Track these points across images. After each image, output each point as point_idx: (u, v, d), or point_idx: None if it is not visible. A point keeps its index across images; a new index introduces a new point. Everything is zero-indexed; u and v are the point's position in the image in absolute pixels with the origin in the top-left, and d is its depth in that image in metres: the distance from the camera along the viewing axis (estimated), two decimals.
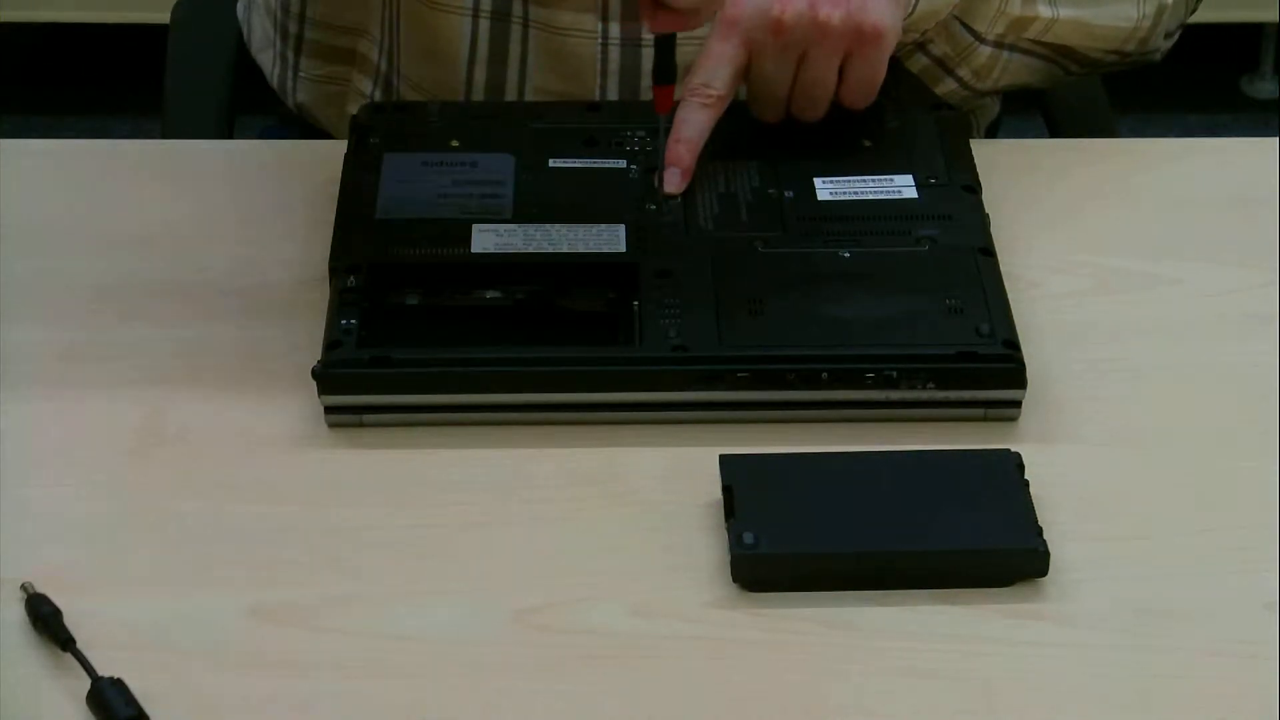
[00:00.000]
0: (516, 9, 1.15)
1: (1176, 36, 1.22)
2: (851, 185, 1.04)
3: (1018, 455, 0.90)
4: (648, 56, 1.15)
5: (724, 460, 0.89)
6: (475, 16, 1.16)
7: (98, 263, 1.04)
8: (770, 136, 1.07)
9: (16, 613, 0.84)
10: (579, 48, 1.16)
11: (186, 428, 0.94)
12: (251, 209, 1.08)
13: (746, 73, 1.06)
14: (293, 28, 1.23)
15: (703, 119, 1.04)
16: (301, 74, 1.24)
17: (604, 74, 1.16)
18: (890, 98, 1.08)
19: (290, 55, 1.25)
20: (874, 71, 1.06)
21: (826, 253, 0.99)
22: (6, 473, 0.92)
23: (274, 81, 1.27)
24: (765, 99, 1.07)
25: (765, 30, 1.04)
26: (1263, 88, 2.57)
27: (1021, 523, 0.87)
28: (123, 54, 2.48)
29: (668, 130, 1.04)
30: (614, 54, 1.16)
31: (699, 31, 1.03)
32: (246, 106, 1.33)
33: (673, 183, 1.03)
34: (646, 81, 1.16)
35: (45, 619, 0.83)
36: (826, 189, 1.03)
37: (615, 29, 1.15)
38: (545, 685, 0.82)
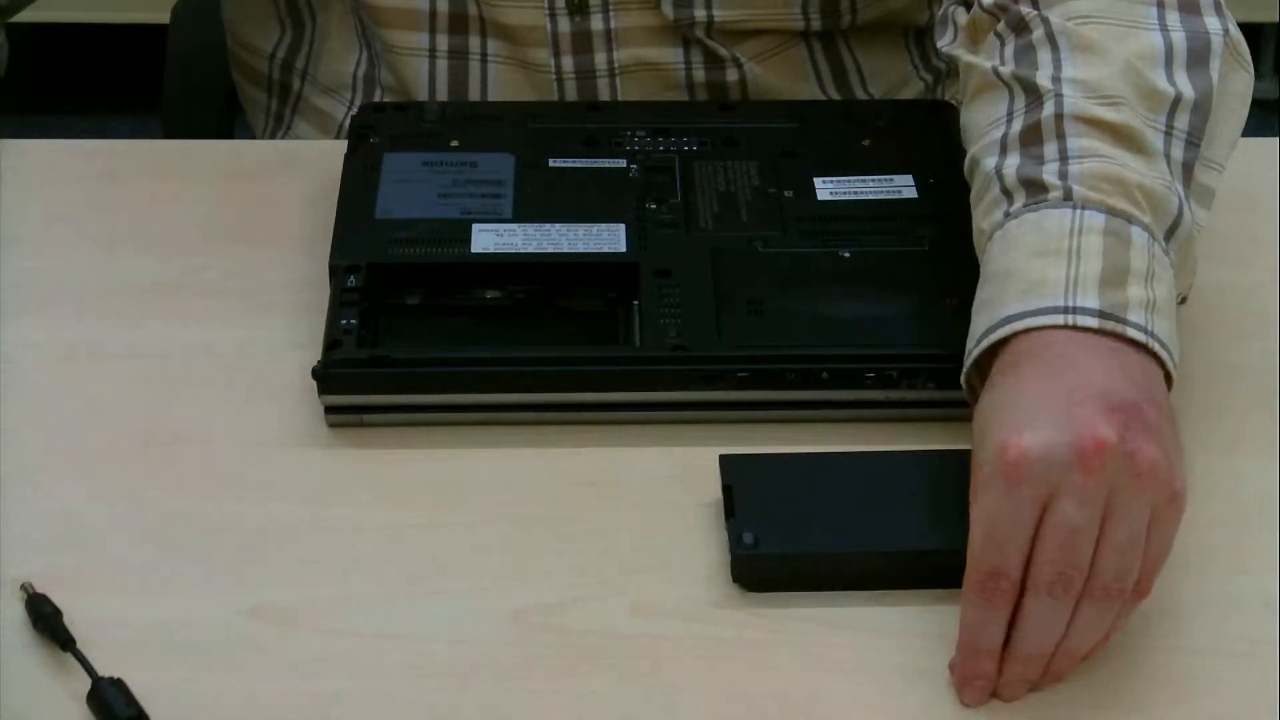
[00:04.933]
0: (473, 45, 1.16)
1: None
2: (851, 185, 1.04)
3: None
4: (604, 86, 1.16)
5: (724, 460, 0.89)
6: (432, 58, 1.16)
7: (98, 263, 1.04)
8: (770, 136, 1.07)
9: (16, 613, 0.84)
10: (537, 81, 1.16)
11: (186, 428, 0.94)
12: (251, 209, 1.08)
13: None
14: (295, 84, 1.24)
15: (990, 618, 0.82)
16: (293, 135, 1.25)
17: None
18: None
19: (287, 114, 1.25)
20: (1166, 545, 0.82)
21: (826, 253, 0.99)
22: (7, 473, 0.92)
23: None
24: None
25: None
26: (1263, 88, 2.57)
27: None
28: (123, 54, 2.48)
29: None
30: (570, 86, 1.16)
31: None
32: (243, 95, 1.33)
33: (975, 697, 0.82)
34: None
35: (45, 619, 0.83)
36: (826, 189, 1.03)
37: (568, 62, 1.15)
38: (545, 685, 0.82)
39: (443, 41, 1.16)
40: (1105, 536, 0.79)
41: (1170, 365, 0.85)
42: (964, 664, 0.81)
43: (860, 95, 1.21)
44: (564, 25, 1.14)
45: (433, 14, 1.15)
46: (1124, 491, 0.79)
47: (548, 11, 1.14)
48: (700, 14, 1.14)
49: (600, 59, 1.15)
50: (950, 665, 0.82)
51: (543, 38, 1.15)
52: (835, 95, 1.21)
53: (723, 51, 1.15)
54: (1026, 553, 0.79)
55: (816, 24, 1.16)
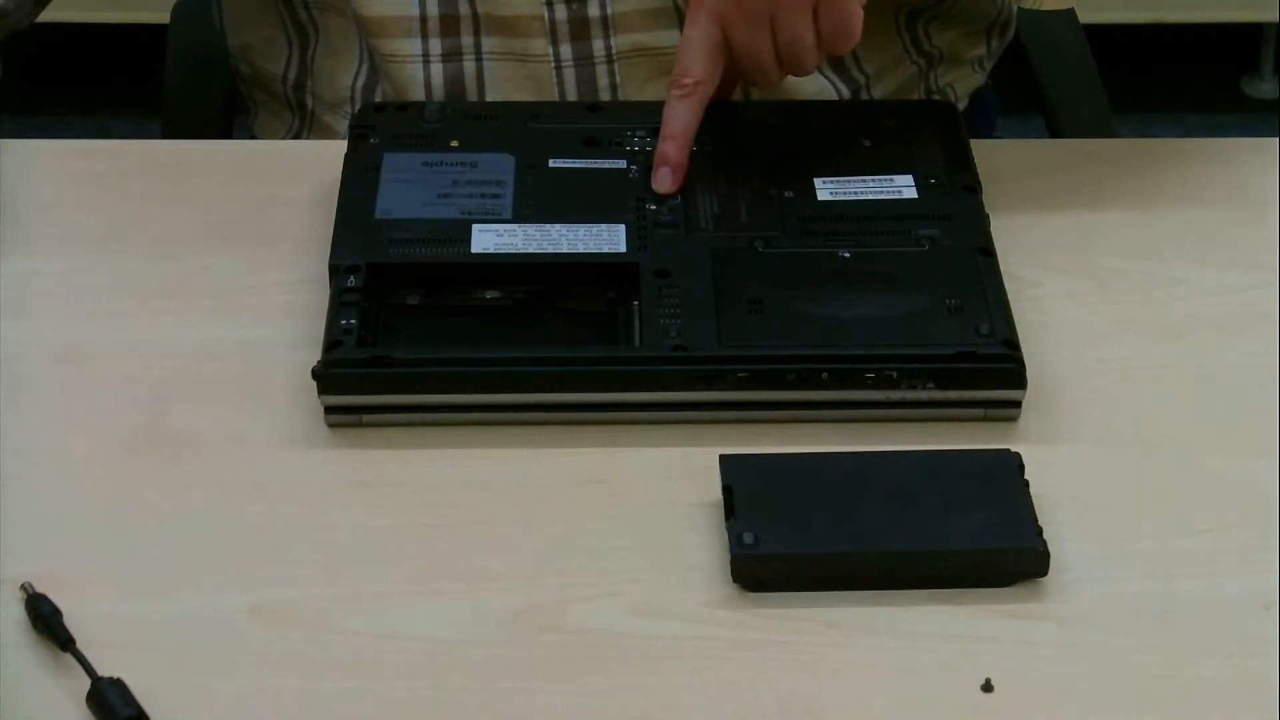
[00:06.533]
0: (467, 45, 1.16)
1: None
2: (851, 185, 1.04)
3: (1018, 455, 0.90)
4: (602, 73, 1.16)
5: (724, 460, 0.89)
6: (426, 63, 1.16)
7: (98, 263, 1.04)
8: (770, 136, 1.07)
9: (16, 613, 0.84)
10: (535, 73, 1.16)
11: (186, 428, 0.94)
12: (251, 209, 1.08)
13: (728, 50, 1.04)
14: (308, 102, 1.24)
15: (684, 110, 1.03)
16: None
17: (562, 97, 1.16)
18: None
19: (304, 133, 1.25)
20: (846, 15, 1.02)
21: (826, 253, 0.99)
22: (6, 473, 0.92)
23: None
24: (753, 69, 1.05)
25: (728, 4, 1.02)
26: (1263, 88, 2.57)
27: (1021, 523, 0.87)
28: (123, 54, 2.48)
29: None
30: (569, 75, 1.16)
31: None
32: (247, 106, 1.33)
33: (663, 182, 1.03)
34: (605, 97, 1.17)
35: (45, 619, 0.83)
36: (826, 189, 1.03)
37: (566, 50, 1.15)
38: (545, 685, 0.82)
39: (435, 45, 1.16)
40: None
41: None
42: (659, 150, 1.03)
43: (855, 75, 1.21)
44: (561, 13, 1.15)
45: (423, 19, 1.15)
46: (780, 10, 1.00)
47: None
48: None
49: (598, 45, 1.16)
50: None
51: (540, 27, 1.15)
52: (831, 76, 1.21)
53: None
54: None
55: None
